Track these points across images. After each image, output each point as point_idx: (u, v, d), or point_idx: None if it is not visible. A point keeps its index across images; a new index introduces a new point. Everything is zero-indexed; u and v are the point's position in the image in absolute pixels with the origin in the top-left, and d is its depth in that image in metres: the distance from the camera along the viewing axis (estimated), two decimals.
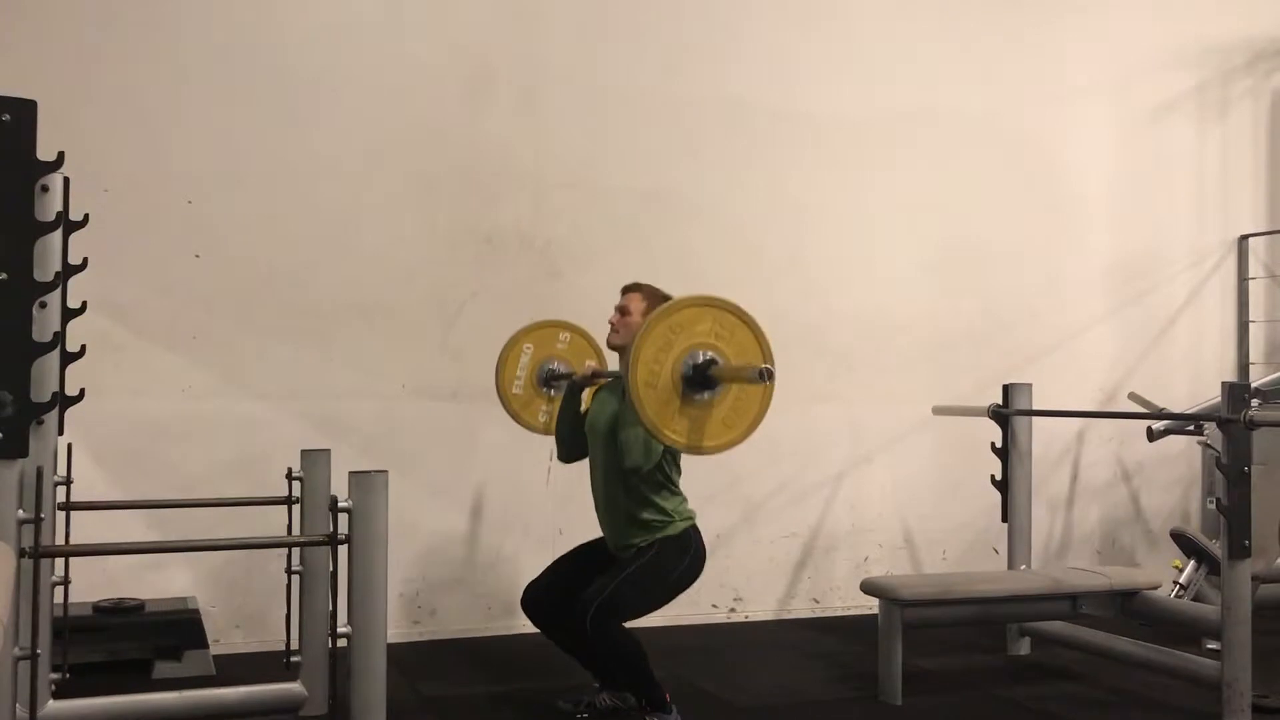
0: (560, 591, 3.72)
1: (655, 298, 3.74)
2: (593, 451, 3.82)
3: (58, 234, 2.94)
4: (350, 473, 2.88)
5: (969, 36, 6.06)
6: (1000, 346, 6.02)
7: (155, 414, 4.64)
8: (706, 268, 5.27)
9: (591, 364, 4.14)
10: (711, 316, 3.18)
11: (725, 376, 3.15)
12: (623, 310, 3.80)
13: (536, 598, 3.81)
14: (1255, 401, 3.87)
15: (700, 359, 3.13)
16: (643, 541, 3.62)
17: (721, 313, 3.19)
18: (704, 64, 5.55)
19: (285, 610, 3.66)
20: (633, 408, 3.14)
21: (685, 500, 3.72)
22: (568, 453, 3.97)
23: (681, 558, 3.64)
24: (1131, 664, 4.35)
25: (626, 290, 3.84)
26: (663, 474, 3.63)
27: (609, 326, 3.83)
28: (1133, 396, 5.86)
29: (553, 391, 4.31)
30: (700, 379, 3.13)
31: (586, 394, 4.01)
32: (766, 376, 3.04)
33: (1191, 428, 5.46)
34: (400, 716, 3.60)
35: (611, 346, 3.88)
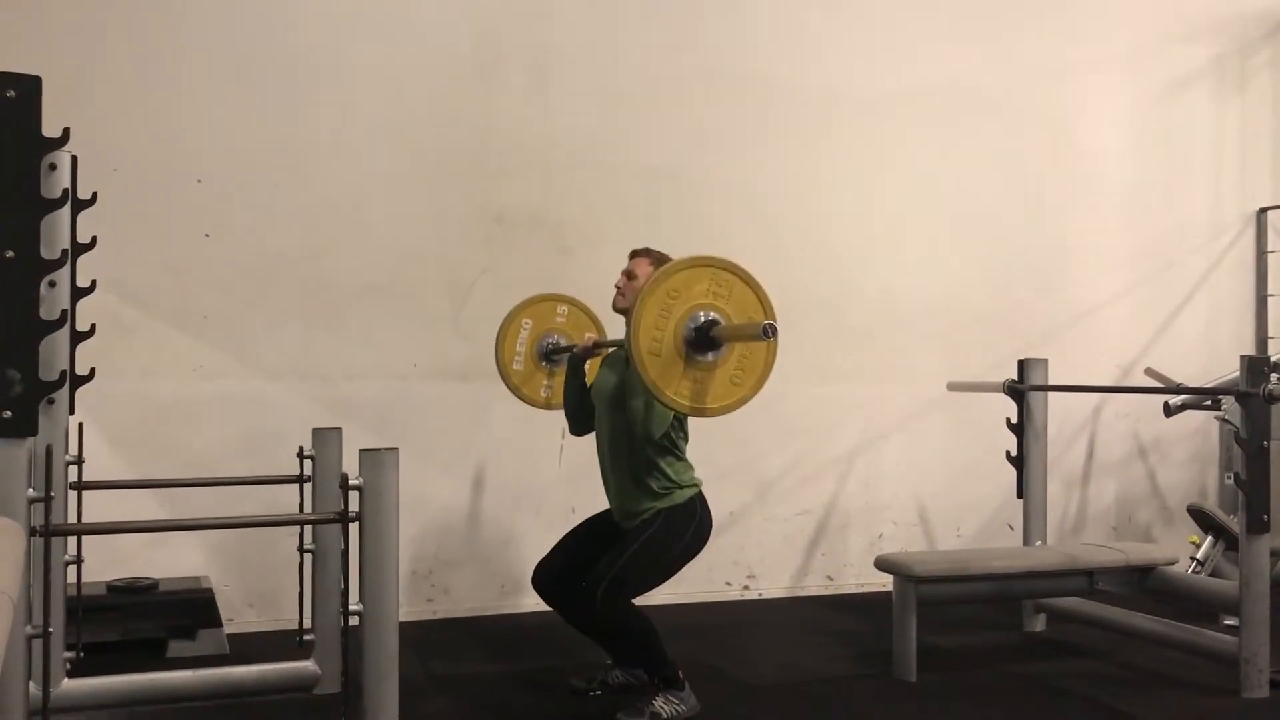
0: (570, 569, 3.71)
1: (662, 263, 3.71)
2: (599, 418, 3.79)
3: (65, 212, 2.92)
4: (361, 450, 2.87)
5: (984, 11, 5.99)
6: (1016, 323, 5.98)
7: (167, 394, 4.64)
8: (719, 246, 5.17)
9: (591, 336, 4.12)
10: (709, 276, 3.14)
11: (728, 336, 3.12)
12: (629, 274, 3.77)
13: (547, 577, 3.79)
14: (1275, 375, 3.82)
15: (701, 320, 3.10)
16: (648, 512, 3.59)
17: (718, 271, 3.16)
18: (717, 41, 5.50)
19: (298, 589, 3.66)
20: (637, 375, 3.12)
21: (691, 468, 3.69)
22: (579, 426, 3.96)
23: (687, 526, 3.60)
24: (1148, 640, 4.33)
25: (634, 255, 3.80)
26: (669, 440, 3.59)
27: (614, 291, 3.80)
28: (1149, 372, 5.82)
29: (552, 365, 4.29)
30: (703, 340, 3.11)
31: (590, 365, 3.98)
32: (770, 333, 3.00)
33: (1209, 402, 5.42)
34: (412, 695, 3.61)
35: (618, 310, 3.84)
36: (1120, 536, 6.22)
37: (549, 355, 4.30)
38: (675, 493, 3.60)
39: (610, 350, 3.92)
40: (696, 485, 3.67)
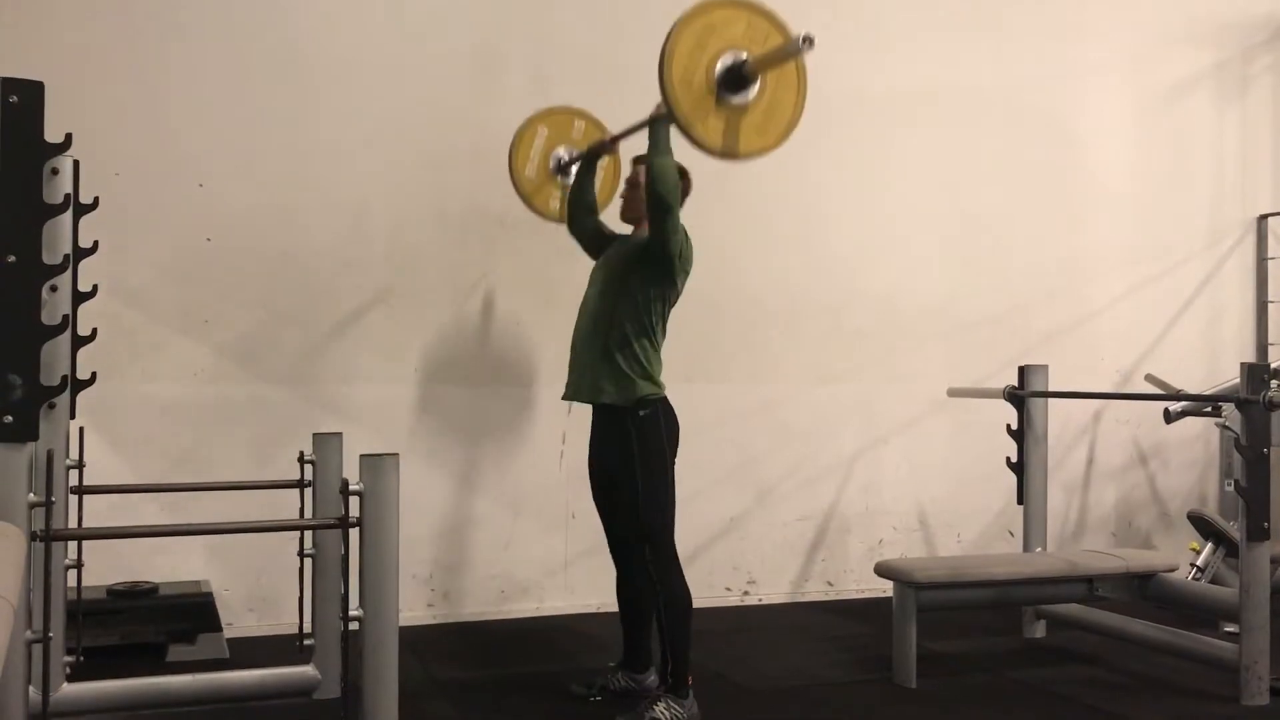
0: (623, 540, 3.81)
1: None
2: (589, 293, 3.79)
3: (67, 216, 2.93)
4: (361, 455, 2.87)
5: (986, 12, 5.99)
6: (1016, 327, 5.98)
7: (168, 398, 4.64)
8: (719, 245, 5.21)
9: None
10: (745, 20, 3.13)
11: (764, 63, 3.09)
12: (632, 184, 3.79)
13: (618, 557, 3.87)
14: (1275, 382, 3.83)
15: (733, 61, 3.10)
16: (607, 397, 3.59)
17: (755, 16, 3.14)
18: None
19: (298, 593, 3.66)
20: (666, 108, 3.12)
21: (661, 365, 3.67)
22: (577, 223, 3.99)
23: (657, 436, 3.59)
24: (1148, 647, 4.33)
25: (637, 161, 3.80)
26: (649, 322, 3.60)
27: (621, 202, 3.83)
28: (1150, 378, 5.82)
29: (564, 179, 4.27)
30: (735, 80, 3.10)
31: (604, 177, 4.02)
32: (808, 42, 2.99)
33: (1209, 409, 5.42)
34: (413, 699, 3.60)
35: (624, 219, 3.88)
36: (1120, 543, 6.22)
37: (562, 168, 4.27)
38: (636, 383, 3.58)
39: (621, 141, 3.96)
40: (660, 387, 3.64)
